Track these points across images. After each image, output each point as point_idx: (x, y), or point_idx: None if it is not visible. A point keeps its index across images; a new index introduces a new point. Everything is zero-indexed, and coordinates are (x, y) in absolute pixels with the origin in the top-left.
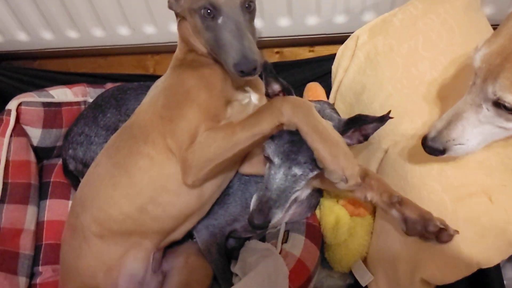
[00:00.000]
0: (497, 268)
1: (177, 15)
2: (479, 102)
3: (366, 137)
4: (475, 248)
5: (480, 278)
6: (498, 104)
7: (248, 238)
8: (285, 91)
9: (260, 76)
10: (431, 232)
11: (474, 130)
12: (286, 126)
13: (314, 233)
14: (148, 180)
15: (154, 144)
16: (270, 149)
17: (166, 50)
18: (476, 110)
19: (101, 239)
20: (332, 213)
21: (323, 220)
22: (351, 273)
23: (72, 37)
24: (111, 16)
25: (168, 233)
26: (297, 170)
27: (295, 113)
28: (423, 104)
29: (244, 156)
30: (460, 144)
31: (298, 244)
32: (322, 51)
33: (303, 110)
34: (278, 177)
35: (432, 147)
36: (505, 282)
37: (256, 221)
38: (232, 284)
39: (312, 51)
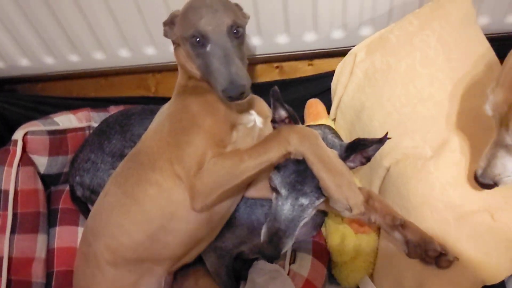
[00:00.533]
0: (501, 283)
1: (173, 42)
2: (505, 143)
3: (368, 159)
4: (480, 266)
5: None
6: None
7: (256, 259)
8: (291, 118)
9: (268, 101)
10: (431, 256)
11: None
12: (293, 155)
13: (321, 251)
14: (157, 207)
15: (162, 171)
16: (277, 180)
17: (167, 68)
18: (507, 149)
19: (114, 266)
20: (337, 231)
21: (328, 239)
22: None
23: (73, 61)
24: (111, 39)
25: (180, 258)
26: (304, 200)
27: (302, 143)
28: (422, 121)
29: (250, 181)
30: (507, 176)
31: (305, 264)
32: (321, 64)
33: (310, 140)
34: (285, 208)
35: (483, 183)
36: None
37: (268, 252)
38: None
39: (311, 64)
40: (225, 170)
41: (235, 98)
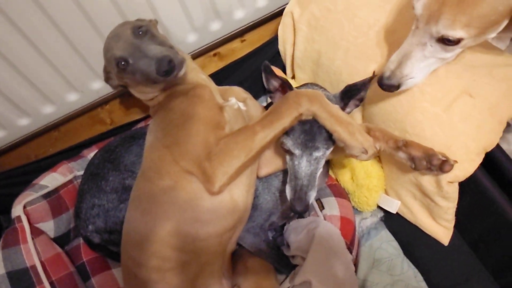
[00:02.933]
0: (498, 146)
1: (121, 86)
2: (424, 41)
3: (361, 100)
4: (478, 138)
5: (489, 159)
6: (441, 40)
7: (283, 225)
8: (286, 85)
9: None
10: (435, 165)
11: (421, 65)
12: (304, 116)
13: (339, 190)
14: (180, 209)
15: (170, 174)
16: (289, 143)
17: (113, 97)
18: (422, 48)
19: (165, 283)
20: (345, 167)
21: (340, 177)
22: (379, 207)
23: (24, 125)
24: (56, 88)
25: (223, 249)
26: (317, 154)
27: (312, 103)
28: (379, 44)
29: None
30: (411, 78)
31: (333, 205)
32: (252, 37)
33: (318, 99)
34: (303, 165)
35: (388, 84)
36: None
37: (298, 208)
38: (294, 266)
39: (244, 40)
40: (240, 145)
41: (168, 70)
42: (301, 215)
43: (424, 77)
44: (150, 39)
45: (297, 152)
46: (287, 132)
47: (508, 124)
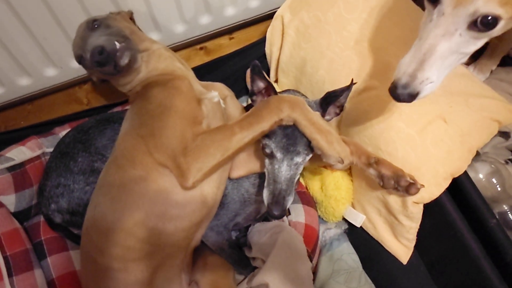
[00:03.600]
0: (465, 173)
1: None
2: (452, 29)
3: (341, 108)
4: (447, 163)
5: (455, 185)
6: (474, 25)
7: (248, 226)
8: (271, 88)
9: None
10: (402, 186)
11: (445, 63)
12: (285, 121)
13: (307, 198)
14: (150, 201)
15: (143, 164)
16: (272, 146)
17: None
18: (449, 39)
19: (126, 272)
20: (316, 176)
21: (309, 185)
22: (344, 219)
23: None
24: (34, 61)
25: (187, 244)
26: (297, 159)
27: (293, 110)
28: (363, 59)
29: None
30: (431, 82)
31: (299, 212)
32: (241, 35)
33: (299, 106)
34: (283, 169)
35: (408, 94)
36: None
37: (276, 212)
38: (254, 268)
39: (232, 38)
40: (217, 144)
41: (102, 60)
42: (276, 219)
43: (441, 81)
44: (101, 31)
45: (278, 155)
46: (268, 135)
47: (477, 153)
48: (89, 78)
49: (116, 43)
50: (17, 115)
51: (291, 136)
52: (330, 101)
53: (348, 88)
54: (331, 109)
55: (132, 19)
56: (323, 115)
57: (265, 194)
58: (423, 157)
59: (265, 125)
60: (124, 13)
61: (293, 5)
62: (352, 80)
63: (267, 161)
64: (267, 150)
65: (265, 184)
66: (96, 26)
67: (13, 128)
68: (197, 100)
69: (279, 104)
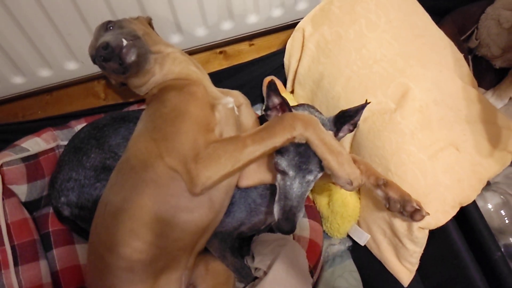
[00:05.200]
0: (473, 202)
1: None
2: None
3: (354, 125)
4: (456, 192)
5: (463, 214)
6: None
7: (253, 235)
8: (286, 105)
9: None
10: (408, 211)
11: None
12: (297, 139)
13: (314, 213)
14: (159, 204)
15: (154, 167)
16: (284, 164)
17: None
18: None
19: (131, 272)
20: (324, 191)
21: (317, 200)
22: (349, 236)
23: (17, 83)
24: (57, 54)
25: (192, 248)
26: (309, 177)
27: (306, 129)
28: (380, 79)
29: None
30: None
31: (304, 226)
32: (261, 43)
33: (312, 125)
34: (295, 186)
35: None
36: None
37: (286, 228)
38: (254, 278)
39: (253, 44)
40: (228, 154)
41: (107, 56)
42: (287, 234)
43: None
44: (113, 31)
45: (291, 173)
46: (281, 152)
47: (488, 182)
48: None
49: (124, 40)
50: (35, 105)
51: (303, 154)
52: (345, 121)
53: (362, 107)
54: (345, 127)
55: (150, 24)
56: (336, 133)
57: (276, 209)
58: (432, 183)
59: (277, 141)
60: (142, 18)
61: (315, 19)
62: (367, 100)
63: (279, 176)
64: (280, 167)
65: (276, 199)
66: (110, 27)
67: (30, 118)
68: (211, 106)
69: (293, 122)
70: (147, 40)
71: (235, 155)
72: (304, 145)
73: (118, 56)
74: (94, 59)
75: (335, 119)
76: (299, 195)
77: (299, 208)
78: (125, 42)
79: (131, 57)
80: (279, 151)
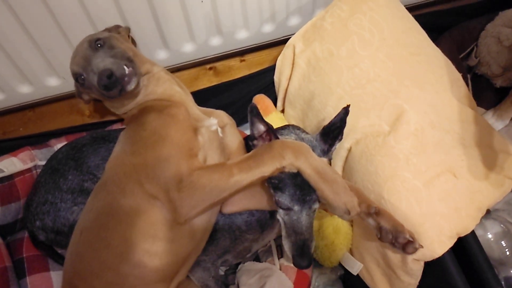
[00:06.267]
0: (472, 232)
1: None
2: None
3: (342, 134)
4: (453, 221)
5: (460, 244)
6: None
7: (238, 264)
8: (271, 132)
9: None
10: (400, 243)
11: None
12: (287, 169)
13: None
14: (137, 233)
15: (133, 194)
16: (287, 200)
17: None
18: None
19: None
20: (314, 218)
21: None
22: (340, 265)
23: None
24: (37, 70)
25: (171, 278)
26: (315, 206)
27: (297, 158)
28: (374, 100)
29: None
30: None
31: None
32: (252, 58)
33: (304, 154)
34: (303, 219)
35: None
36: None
37: (303, 263)
38: None
39: (244, 60)
40: (213, 184)
41: (110, 84)
42: (305, 268)
43: None
44: (105, 52)
45: (296, 208)
46: (280, 189)
47: (488, 211)
48: None
49: (125, 67)
50: (17, 121)
51: (303, 186)
52: (334, 135)
53: (345, 113)
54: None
55: (129, 36)
56: (329, 149)
57: (287, 245)
58: (428, 212)
59: (265, 170)
60: (123, 31)
61: (306, 35)
62: (348, 105)
63: (281, 211)
64: (284, 206)
65: (284, 234)
66: (99, 45)
67: (11, 136)
68: (194, 129)
69: (282, 151)
70: (137, 61)
71: (220, 185)
72: (299, 176)
73: (121, 85)
74: (78, 78)
75: (322, 136)
76: (308, 226)
77: (311, 239)
78: (127, 70)
79: (132, 86)
80: (277, 186)
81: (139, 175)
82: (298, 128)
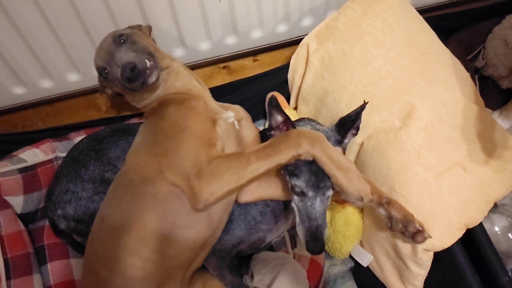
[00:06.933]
0: (480, 224)
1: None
2: None
3: (357, 129)
4: (462, 213)
5: (469, 236)
6: None
7: (253, 253)
8: (289, 122)
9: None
10: (410, 231)
11: None
12: (303, 157)
13: None
14: (157, 219)
15: (154, 182)
16: (302, 185)
17: None
18: None
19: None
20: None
21: None
22: (351, 257)
23: (18, 94)
24: (59, 65)
25: (189, 265)
26: (329, 192)
27: (313, 146)
28: (386, 97)
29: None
30: None
31: None
32: (265, 58)
33: (319, 142)
34: (317, 205)
35: None
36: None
37: (316, 248)
38: None
39: (256, 60)
40: (232, 171)
41: (132, 77)
42: (317, 254)
43: None
44: (128, 46)
45: (310, 194)
46: (296, 175)
47: (495, 204)
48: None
49: (147, 61)
50: (36, 116)
51: (317, 172)
52: (348, 127)
53: (361, 109)
54: (349, 133)
55: (150, 34)
56: (342, 141)
57: (301, 231)
58: (437, 204)
59: (282, 158)
60: (145, 28)
61: (320, 35)
62: (365, 101)
63: (296, 198)
64: (298, 190)
65: (298, 221)
66: (122, 41)
67: (30, 129)
68: (212, 121)
69: (298, 139)
70: (157, 56)
71: (238, 172)
72: (315, 163)
73: (143, 77)
74: (101, 72)
75: (337, 127)
76: (322, 212)
77: (324, 225)
78: (148, 63)
79: (153, 78)
80: (293, 173)
81: (160, 164)
82: (313, 120)
